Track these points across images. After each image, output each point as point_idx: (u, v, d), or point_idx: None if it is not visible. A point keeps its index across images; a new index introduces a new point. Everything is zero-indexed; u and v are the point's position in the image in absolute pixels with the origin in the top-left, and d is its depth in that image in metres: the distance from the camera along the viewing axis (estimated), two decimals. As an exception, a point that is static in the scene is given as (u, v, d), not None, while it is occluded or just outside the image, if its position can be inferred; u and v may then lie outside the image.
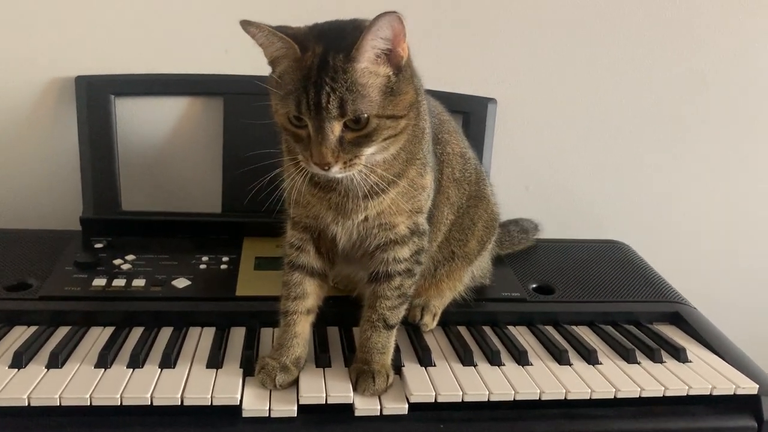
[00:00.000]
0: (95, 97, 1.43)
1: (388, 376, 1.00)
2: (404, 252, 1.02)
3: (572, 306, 1.29)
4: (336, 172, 0.89)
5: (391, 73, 0.89)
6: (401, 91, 0.90)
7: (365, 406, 0.96)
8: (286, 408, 0.95)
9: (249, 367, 1.02)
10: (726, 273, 1.86)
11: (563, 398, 1.01)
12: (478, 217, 1.20)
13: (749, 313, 1.83)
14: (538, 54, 1.62)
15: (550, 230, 1.59)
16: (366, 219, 0.99)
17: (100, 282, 1.22)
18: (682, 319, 1.27)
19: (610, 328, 1.24)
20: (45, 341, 1.07)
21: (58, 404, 0.92)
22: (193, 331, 1.13)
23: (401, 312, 1.05)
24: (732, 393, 1.05)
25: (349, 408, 0.97)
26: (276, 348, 1.02)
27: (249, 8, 1.48)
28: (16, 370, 0.98)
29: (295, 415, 0.95)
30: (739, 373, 1.09)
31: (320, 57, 0.86)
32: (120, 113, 1.45)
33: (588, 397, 1.02)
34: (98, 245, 1.36)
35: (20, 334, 1.09)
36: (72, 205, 1.47)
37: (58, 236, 1.39)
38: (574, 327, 1.24)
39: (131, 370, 1.00)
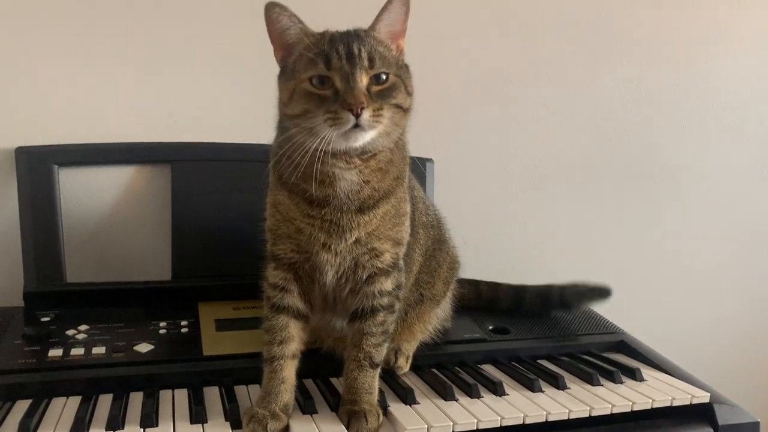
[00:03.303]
0: (37, 168, 1.40)
1: (378, 415, 1.00)
2: (388, 284, 1.06)
3: (528, 342, 1.36)
4: (366, 119, 0.92)
5: (397, 53, 1.01)
6: (406, 70, 1.02)
7: (360, 446, 0.97)
8: (282, 455, 0.94)
9: (234, 420, 0.99)
10: (650, 308, 2.02)
11: (545, 420, 1.06)
12: (442, 260, 1.26)
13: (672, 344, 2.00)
14: (469, 117, 1.78)
15: (487, 279, 1.68)
16: (357, 241, 1.02)
17: (56, 352, 1.15)
18: (627, 346, 1.37)
19: (567, 359, 1.31)
20: (6, 415, 1.00)
21: (40, 473, 0.86)
22: (165, 394, 1.09)
23: (384, 350, 1.07)
24: (689, 403, 1.14)
25: (343, 450, 0.97)
26: (263, 396, 1.01)
27: (190, 75, 1.53)
28: (-18, 444, 0.91)
29: (292, 461, 0.94)
30: (691, 385, 1.19)
31: (341, 31, 0.97)
32: (63, 183, 1.41)
33: (566, 417, 1.07)
34: (45, 318, 1.28)
35: (-26, 412, 1.01)
36: (9, 282, 1.40)
37: (-4, 313, 1.31)
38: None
39: (111, 432, 0.95)
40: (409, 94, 1.00)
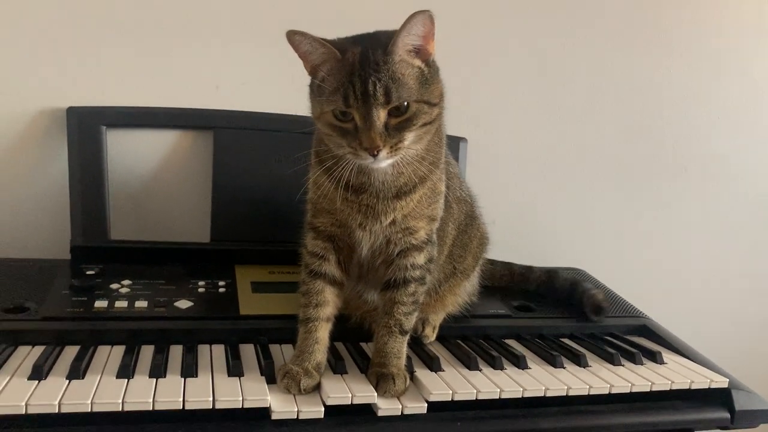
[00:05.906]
0: (86, 128, 1.45)
1: (405, 378, 1.05)
2: (420, 258, 1.10)
3: (552, 321, 1.41)
4: (383, 157, 0.95)
5: (422, 65, 0.98)
6: (433, 81, 1.00)
7: (387, 406, 1.01)
8: (313, 409, 0.98)
9: (270, 375, 1.04)
10: (672, 293, 2.04)
11: (565, 394, 1.10)
12: (473, 235, 1.30)
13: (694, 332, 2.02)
14: (505, 98, 1.80)
15: (515, 260, 1.71)
16: (393, 222, 1.06)
17: (102, 303, 1.21)
18: (650, 330, 1.41)
19: (589, 339, 1.34)
20: (57, 358, 1.06)
21: (90, 410, 0.92)
22: (203, 348, 1.15)
23: (413, 318, 1.12)
24: (707, 387, 1.17)
25: (371, 409, 1.02)
26: (297, 355, 1.06)
27: (237, 46, 1.57)
28: (37, 381, 0.97)
29: (322, 416, 0.99)
30: (710, 370, 1.22)
31: (360, 55, 0.95)
32: (110, 144, 1.47)
33: (587, 393, 1.11)
34: (90, 272, 1.34)
35: (27, 353, 1.07)
36: (56, 236, 1.47)
37: (45, 264, 1.37)
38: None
39: (154, 379, 1.00)
40: (435, 104, 1.00)
